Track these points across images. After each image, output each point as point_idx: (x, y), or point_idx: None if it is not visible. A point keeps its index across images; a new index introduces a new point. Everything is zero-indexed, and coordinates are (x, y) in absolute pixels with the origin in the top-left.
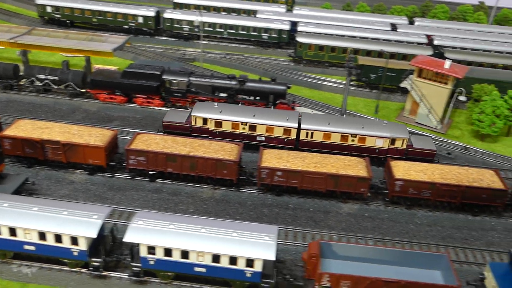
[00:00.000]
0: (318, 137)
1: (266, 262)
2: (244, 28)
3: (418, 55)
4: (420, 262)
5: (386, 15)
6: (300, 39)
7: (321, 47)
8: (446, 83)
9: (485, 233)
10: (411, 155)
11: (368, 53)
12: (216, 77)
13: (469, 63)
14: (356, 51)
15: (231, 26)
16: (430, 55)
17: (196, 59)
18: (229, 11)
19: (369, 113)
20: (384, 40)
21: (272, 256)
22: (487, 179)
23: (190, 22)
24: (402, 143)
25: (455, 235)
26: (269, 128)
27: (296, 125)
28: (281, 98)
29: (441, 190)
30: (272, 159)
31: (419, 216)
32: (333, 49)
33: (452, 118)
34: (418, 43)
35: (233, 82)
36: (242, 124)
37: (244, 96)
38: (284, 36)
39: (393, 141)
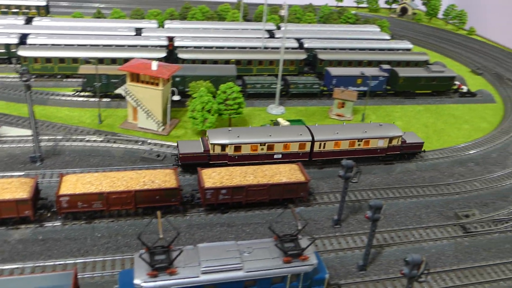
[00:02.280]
0: (329, 147)
1: None
2: None
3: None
4: (52, 285)
5: (135, 20)
6: (22, 52)
7: (48, 59)
8: (157, 85)
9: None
10: (405, 149)
11: (101, 60)
12: None
13: (215, 62)
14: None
15: None
16: (164, 57)
17: None
18: None
19: (93, 124)
20: (118, 46)
21: None
22: (161, 179)
23: None
24: (398, 140)
25: (132, 243)
26: (286, 145)
27: (310, 138)
28: None
29: (111, 199)
30: None
31: (100, 229)
32: (62, 60)
33: (180, 118)
34: (157, 46)
35: None
36: (260, 145)
37: None
38: (13, 51)
39: (391, 139)
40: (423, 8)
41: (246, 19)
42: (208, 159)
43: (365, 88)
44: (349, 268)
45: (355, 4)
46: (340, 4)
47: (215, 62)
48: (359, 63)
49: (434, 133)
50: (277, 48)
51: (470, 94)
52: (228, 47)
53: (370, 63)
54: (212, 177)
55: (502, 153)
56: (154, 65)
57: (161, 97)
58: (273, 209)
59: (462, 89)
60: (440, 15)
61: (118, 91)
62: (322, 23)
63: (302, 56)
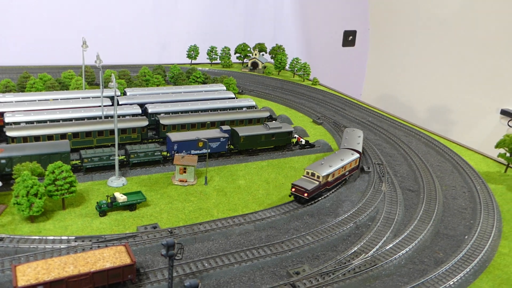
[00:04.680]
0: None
1: None
2: None
3: None
4: None
5: None
6: None
7: None
8: None
9: None
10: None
11: None
12: None
13: (50, 137)
14: None
15: None
16: None
17: None
18: None
19: None
20: None
21: None
22: None
23: None
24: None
25: None
26: (350, 164)
27: (358, 155)
28: None
29: None
30: None
31: None
32: None
33: (8, 203)
34: None
35: None
36: (342, 169)
37: None
38: None
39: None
40: (272, 61)
41: (94, 83)
42: (320, 188)
43: (208, 151)
44: None
45: (208, 61)
46: (194, 61)
47: (50, 137)
48: (202, 125)
49: (274, 188)
50: (121, 116)
51: (309, 145)
52: (64, 119)
53: (213, 124)
54: (27, 274)
55: (335, 202)
56: None
57: None
58: None
59: (301, 141)
60: (287, 67)
61: None
62: (173, 83)
63: (144, 123)
